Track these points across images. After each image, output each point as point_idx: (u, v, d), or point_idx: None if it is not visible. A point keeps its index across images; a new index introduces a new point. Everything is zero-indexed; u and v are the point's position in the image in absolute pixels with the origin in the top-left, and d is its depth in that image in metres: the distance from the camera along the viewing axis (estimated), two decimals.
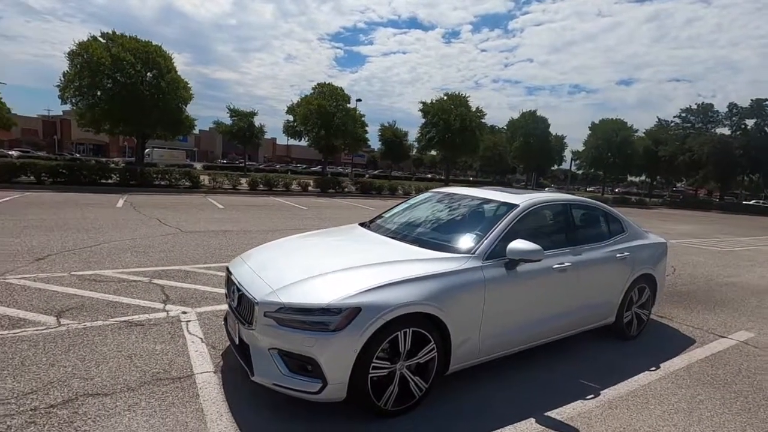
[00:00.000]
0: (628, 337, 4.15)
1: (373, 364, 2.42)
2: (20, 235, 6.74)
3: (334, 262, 2.83)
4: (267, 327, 2.43)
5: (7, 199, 11.17)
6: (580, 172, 60.61)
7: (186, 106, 23.23)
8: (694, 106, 47.34)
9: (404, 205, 4.25)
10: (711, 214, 29.03)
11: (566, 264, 3.39)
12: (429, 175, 65.65)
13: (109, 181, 16.86)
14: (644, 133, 46.38)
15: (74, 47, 19.94)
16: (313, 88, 31.57)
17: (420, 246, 3.12)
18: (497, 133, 56.82)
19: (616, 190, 73.69)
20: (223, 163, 51.08)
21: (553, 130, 45.55)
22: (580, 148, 46.21)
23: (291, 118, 31.67)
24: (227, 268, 3.11)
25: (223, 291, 3.72)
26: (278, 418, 2.48)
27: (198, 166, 41.01)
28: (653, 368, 3.58)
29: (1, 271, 4.79)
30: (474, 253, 2.94)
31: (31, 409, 2.37)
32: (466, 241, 3.12)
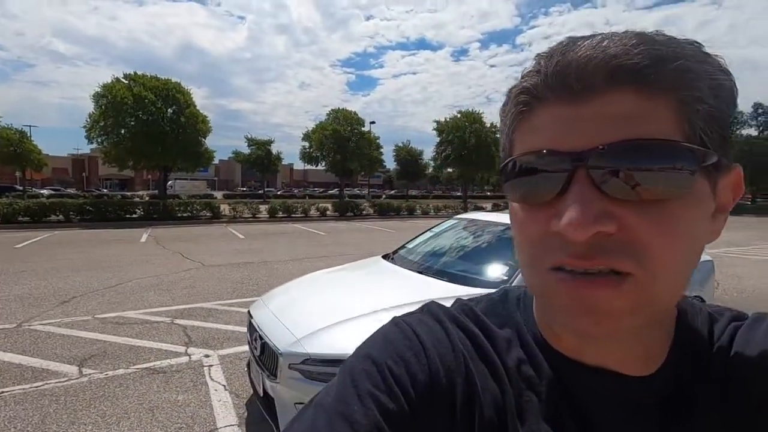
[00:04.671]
0: None
1: None
2: (47, 276, 6.83)
3: (360, 304, 2.68)
4: (292, 380, 2.28)
5: (38, 239, 11.49)
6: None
7: (205, 138, 23.84)
8: None
9: (428, 234, 4.10)
10: (744, 218, 27.73)
11: None
12: (443, 193, 65.38)
13: (134, 215, 17.28)
14: None
15: (99, 89, 20.84)
16: (327, 114, 32.09)
17: (447, 280, 2.95)
18: None
19: None
20: (243, 190, 52.02)
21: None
22: None
23: (307, 144, 32.17)
24: (249, 312, 3.00)
25: (245, 330, 3.60)
26: None
27: (218, 195, 41.89)
28: None
29: (27, 317, 4.81)
30: None
31: None
32: (495, 273, 2.94)
